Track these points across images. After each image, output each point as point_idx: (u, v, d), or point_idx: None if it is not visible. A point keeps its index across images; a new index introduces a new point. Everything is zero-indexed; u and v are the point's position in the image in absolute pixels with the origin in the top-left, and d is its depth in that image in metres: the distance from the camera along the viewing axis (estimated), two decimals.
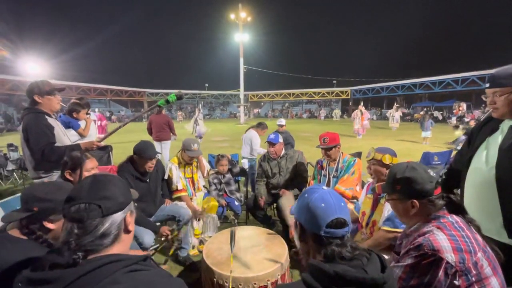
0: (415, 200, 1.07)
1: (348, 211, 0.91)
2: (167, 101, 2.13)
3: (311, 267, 0.80)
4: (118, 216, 0.76)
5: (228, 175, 3.26)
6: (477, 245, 0.95)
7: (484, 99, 1.41)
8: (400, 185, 1.11)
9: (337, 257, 0.80)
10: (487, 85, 1.35)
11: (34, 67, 25.27)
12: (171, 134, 6.01)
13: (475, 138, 1.50)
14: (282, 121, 5.33)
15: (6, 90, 24.47)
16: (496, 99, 1.31)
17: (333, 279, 0.74)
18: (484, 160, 1.37)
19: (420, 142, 10.46)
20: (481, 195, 1.37)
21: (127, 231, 0.80)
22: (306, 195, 0.93)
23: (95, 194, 0.75)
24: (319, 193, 0.91)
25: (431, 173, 1.10)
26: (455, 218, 1.04)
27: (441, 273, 0.90)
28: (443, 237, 0.95)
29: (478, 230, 1.03)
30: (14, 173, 5.39)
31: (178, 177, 2.79)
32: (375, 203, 1.83)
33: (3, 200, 2.01)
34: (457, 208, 1.08)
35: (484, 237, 1.02)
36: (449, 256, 0.91)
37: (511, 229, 1.27)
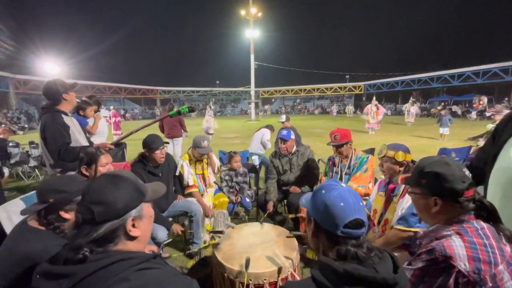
0: (438, 198, 0.99)
1: (365, 211, 0.87)
2: (179, 112, 2.19)
3: (321, 264, 0.79)
4: (114, 224, 0.73)
5: (242, 170, 3.27)
6: (501, 256, 0.87)
7: None
8: (426, 180, 1.02)
9: (350, 257, 0.77)
10: None
11: (52, 67, 26.26)
12: (183, 131, 6.11)
13: (500, 134, 1.42)
14: (283, 117, 5.29)
15: (27, 90, 25.60)
16: None
17: (343, 277, 0.72)
18: (510, 157, 1.30)
19: (436, 138, 10.11)
20: (507, 195, 1.29)
21: (129, 237, 0.76)
22: (323, 192, 0.87)
23: (94, 196, 0.73)
24: (338, 191, 0.85)
25: (466, 172, 0.99)
26: (481, 224, 0.95)
27: (451, 281, 0.86)
28: (460, 244, 0.89)
29: (509, 240, 0.94)
30: (36, 170, 5.65)
31: (189, 174, 2.84)
32: (388, 201, 1.79)
33: (25, 195, 2.12)
34: (490, 215, 0.97)
35: None
36: (462, 264, 0.85)
37: None
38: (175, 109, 2.19)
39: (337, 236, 0.81)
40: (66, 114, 2.23)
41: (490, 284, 0.84)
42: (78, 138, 2.28)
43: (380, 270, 0.73)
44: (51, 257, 0.72)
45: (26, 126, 19.78)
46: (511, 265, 0.88)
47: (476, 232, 0.92)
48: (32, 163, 5.56)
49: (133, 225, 0.77)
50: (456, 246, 0.89)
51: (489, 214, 0.98)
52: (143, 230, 0.80)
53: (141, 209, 0.80)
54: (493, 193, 1.36)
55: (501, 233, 0.94)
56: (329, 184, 0.89)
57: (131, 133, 2.22)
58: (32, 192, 2.20)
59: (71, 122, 2.27)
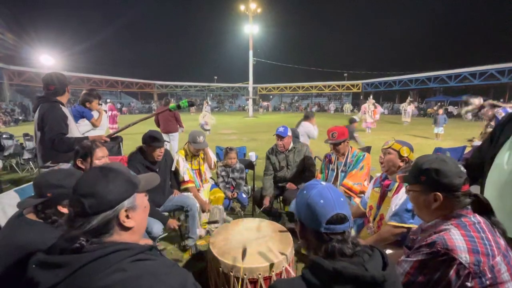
0: (439, 193, 1.02)
1: (348, 206, 0.89)
2: (179, 106, 2.17)
3: (311, 263, 0.80)
4: (107, 215, 0.73)
5: (239, 166, 3.27)
6: (497, 249, 0.91)
7: None
8: (425, 176, 1.05)
9: (337, 253, 0.79)
10: None
11: (48, 59, 25.82)
12: (178, 126, 6.04)
13: (498, 135, 1.44)
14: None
15: (22, 81, 25.18)
16: None
17: (332, 275, 0.73)
18: (507, 159, 1.32)
19: (432, 138, 10.20)
20: (503, 195, 1.31)
21: (124, 228, 0.76)
22: (304, 192, 0.91)
23: (85, 189, 0.73)
24: (318, 189, 0.89)
25: (462, 168, 1.04)
26: (478, 218, 0.98)
27: (452, 272, 0.88)
28: (459, 237, 0.92)
29: (503, 233, 0.98)
30: (30, 162, 5.59)
31: (185, 169, 2.83)
32: (383, 197, 1.81)
33: (19, 187, 2.10)
34: (484, 209, 1.02)
35: (509, 242, 0.98)
36: (463, 256, 0.88)
37: None
38: (174, 103, 2.19)
39: (321, 233, 0.83)
40: (63, 105, 2.24)
41: (489, 275, 0.87)
42: (73, 129, 2.28)
43: (370, 268, 0.74)
44: (47, 248, 0.72)
45: (20, 118, 19.51)
46: (506, 257, 0.92)
47: (474, 226, 0.96)
48: (26, 155, 5.49)
49: (127, 216, 0.77)
50: (456, 239, 0.91)
51: (483, 208, 1.02)
52: (137, 220, 0.80)
53: (134, 200, 0.80)
54: (490, 193, 1.38)
55: (495, 227, 0.98)
56: (310, 184, 0.93)
57: (128, 126, 2.21)
58: (26, 184, 2.18)
59: (68, 113, 2.28)
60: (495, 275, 0.88)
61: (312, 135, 4.92)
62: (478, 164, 1.49)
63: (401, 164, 1.79)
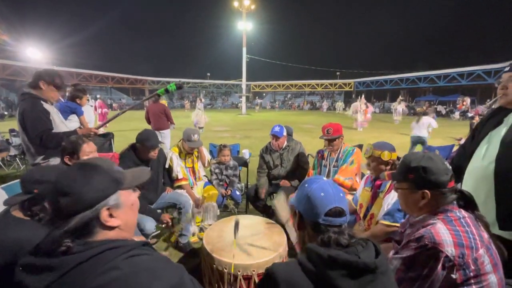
0: (427, 191, 1.04)
1: (346, 202, 0.92)
2: (167, 90, 2.13)
3: (307, 250, 0.82)
4: (85, 215, 0.68)
5: (232, 163, 3.26)
6: (481, 242, 0.94)
7: (496, 85, 1.39)
8: (413, 174, 1.06)
9: (333, 243, 0.81)
10: (507, 69, 1.34)
11: (35, 52, 24.98)
12: (169, 123, 5.94)
13: (479, 132, 1.49)
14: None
15: (7, 75, 24.31)
16: (509, 85, 1.30)
17: (326, 261, 0.76)
18: (483, 154, 1.37)
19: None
20: (478, 188, 1.37)
21: (108, 227, 0.72)
22: (306, 185, 0.95)
23: (62, 188, 0.69)
24: (319, 184, 0.93)
25: (448, 165, 1.06)
26: (463, 213, 1.02)
27: (439, 266, 0.91)
28: (445, 231, 0.95)
29: (486, 227, 1.02)
30: (17, 158, 5.42)
31: (179, 166, 2.80)
32: (374, 197, 1.83)
33: (6, 184, 2.04)
34: (469, 204, 1.06)
35: (491, 235, 1.02)
36: (449, 250, 0.91)
37: (502, 221, 1.30)
38: (162, 89, 2.15)
39: (319, 224, 0.87)
40: (45, 101, 2.14)
41: (473, 267, 0.91)
42: (59, 125, 2.20)
43: (362, 256, 0.76)
44: (32, 249, 0.68)
45: (6, 113, 18.89)
46: (489, 249, 0.96)
47: (459, 220, 0.99)
48: (13, 151, 5.32)
49: (110, 215, 0.72)
50: (442, 233, 0.95)
51: (468, 203, 1.06)
52: (123, 219, 0.75)
53: (118, 198, 0.74)
54: (466, 186, 1.45)
55: (478, 221, 1.02)
56: (312, 178, 0.98)
57: (117, 115, 2.17)
58: (14, 181, 2.12)
59: (52, 109, 2.19)
60: (479, 267, 0.92)
61: (434, 125, 6.79)
62: (462, 162, 1.54)
63: (387, 167, 1.82)
